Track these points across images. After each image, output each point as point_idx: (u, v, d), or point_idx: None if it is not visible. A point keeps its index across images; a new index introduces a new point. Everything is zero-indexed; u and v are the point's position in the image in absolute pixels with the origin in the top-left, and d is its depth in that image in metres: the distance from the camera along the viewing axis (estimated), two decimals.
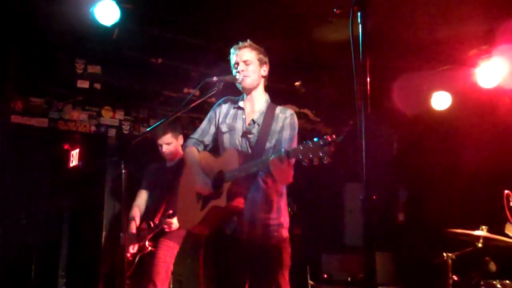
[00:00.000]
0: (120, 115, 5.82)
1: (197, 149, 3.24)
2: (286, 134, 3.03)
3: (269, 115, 3.08)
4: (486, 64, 5.15)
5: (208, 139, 3.24)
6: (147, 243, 4.21)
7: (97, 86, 5.50)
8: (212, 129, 3.23)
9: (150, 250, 4.20)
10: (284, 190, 3.11)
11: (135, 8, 4.57)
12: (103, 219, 5.49)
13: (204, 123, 3.28)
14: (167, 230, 4.16)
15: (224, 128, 3.15)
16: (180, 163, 4.33)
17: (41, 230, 5.35)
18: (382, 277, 5.31)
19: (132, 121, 5.87)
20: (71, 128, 5.54)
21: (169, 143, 4.36)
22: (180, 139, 4.42)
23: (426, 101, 5.88)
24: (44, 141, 5.47)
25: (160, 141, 4.38)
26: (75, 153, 5.73)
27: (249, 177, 2.92)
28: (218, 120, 3.21)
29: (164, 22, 4.97)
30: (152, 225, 4.23)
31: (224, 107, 3.24)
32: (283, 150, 2.66)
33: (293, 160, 2.75)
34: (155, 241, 4.23)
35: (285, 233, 3.05)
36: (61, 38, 4.96)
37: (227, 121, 3.16)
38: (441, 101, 5.84)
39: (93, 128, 5.65)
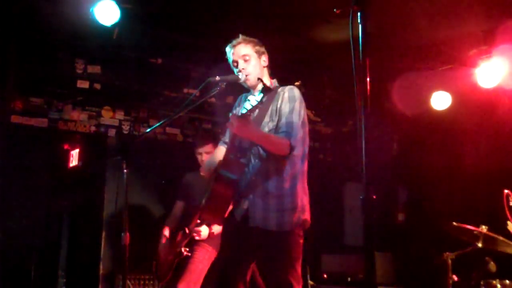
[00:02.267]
0: (120, 115, 5.82)
1: (223, 148, 3.27)
2: (285, 107, 2.97)
3: (271, 96, 3.03)
4: (486, 64, 5.15)
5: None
6: (183, 249, 4.23)
7: (97, 86, 5.50)
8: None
9: (186, 255, 4.23)
10: (299, 169, 3.02)
11: (135, 8, 4.57)
12: (103, 219, 5.48)
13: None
14: (197, 238, 4.19)
15: None
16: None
17: (41, 230, 5.35)
18: (382, 277, 5.31)
19: (132, 121, 5.87)
20: (71, 128, 5.54)
21: (209, 152, 4.39)
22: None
23: (426, 101, 5.88)
24: (44, 141, 5.47)
25: (200, 150, 4.44)
26: (75, 153, 5.74)
27: (237, 153, 2.96)
28: None
29: (164, 22, 4.97)
30: (187, 231, 4.26)
31: (238, 106, 3.27)
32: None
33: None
34: (194, 245, 4.25)
35: (298, 217, 2.95)
36: (61, 38, 4.96)
37: None
38: (441, 101, 5.84)
39: (93, 128, 5.65)
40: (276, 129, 2.96)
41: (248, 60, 3.08)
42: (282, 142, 2.89)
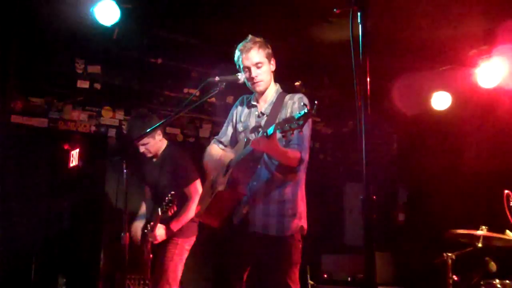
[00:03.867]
0: (120, 115, 5.82)
1: (218, 146, 3.29)
2: None
3: (278, 104, 3.06)
4: (486, 64, 5.15)
5: (225, 139, 3.28)
6: (149, 251, 4.24)
7: (97, 86, 5.50)
8: (230, 130, 3.28)
9: (157, 256, 4.21)
10: (301, 177, 3.05)
11: (135, 8, 4.57)
12: (103, 219, 5.48)
13: (224, 125, 3.34)
14: (155, 242, 4.15)
15: (240, 127, 3.19)
16: (164, 158, 4.34)
17: (41, 230, 5.34)
18: (382, 277, 5.31)
19: None
20: (71, 128, 5.54)
21: (145, 144, 4.30)
22: (158, 135, 4.34)
23: (426, 101, 5.88)
24: (44, 141, 5.46)
25: (137, 143, 4.35)
26: (75, 153, 5.72)
27: (250, 162, 2.94)
28: (235, 121, 3.25)
29: (164, 22, 4.97)
30: (146, 239, 4.25)
31: (240, 106, 3.27)
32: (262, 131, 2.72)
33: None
34: (164, 241, 4.20)
35: (297, 223, 2.98)
36: (61, 38, 4.96)
37: (242, 119, 3.20)
38: (441, 101, 5.84)
39: (93, 128, 5.65)
40: (283, 140, 2.93)
41: (260, 67, 3.05)
42: (295, 157, 2.93)
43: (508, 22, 4.48)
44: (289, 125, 2.51)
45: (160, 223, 4.10)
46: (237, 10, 4.61)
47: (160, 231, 4.11)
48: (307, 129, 2.98)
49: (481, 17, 4.59)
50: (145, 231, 4.35)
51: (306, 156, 2.99)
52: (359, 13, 1.93)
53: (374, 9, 1.95)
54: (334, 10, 2.18)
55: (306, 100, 3.03)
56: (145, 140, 4.27)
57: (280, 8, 4.59)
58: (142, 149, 4.34)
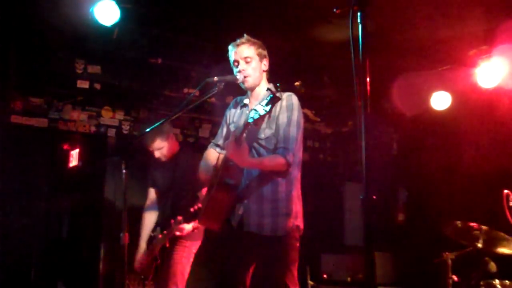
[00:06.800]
0: (120, 115, 5.82)
1: (215, 150, 3.29)
2: (282, 117, 2.95)
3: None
4: (486, 64, 5.15)
5: (222, 142, 3.27)
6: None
7: (97, 86, 5.50)
8: (225, 131, 3.28)
9: (164, 258, 4.20)
10: (294, 175, 3.04)
11: (135, 8, 4.57)
12: (103, 219, 5.48)
13: (220, 127, 3.35)
14: (179, 235, 4.11)
15: (232, 128, 3.20)
16: (178, 158, 4.33)
17: (41, 230, 5.34)
18: (382, 277, 5.31)
19: (132, 121, 5.87)
20: (71, 128, 5.54)
21: (160, 148, 4.33)
22: (172, 138, 4.37)
23: (426, 101, 5.88)
24: (44, 141, 5.46)
25: (151, 148, 4.34)
26: (75, 153, 5.73)
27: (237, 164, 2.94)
28: (229, 122, 3.26)
29: (164, 22, 4.97)
30: (165, 232, 4.23)
31: (233, 108, 3.29)
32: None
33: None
34: (171, 243, 4.20)
35: (292, 222, 2.97)
36: (61, 38, 4.96)
37: (234, 120, 3.21)
38: (441, 101, 5.84)
39: (93, 128, 5.65)
40: (274, 139, 2.96)
41: (249, 62, 3.07)
42: (277, 164, 2.91)
43: (508, 22, 4.48)
44: (258, 113, 2.56)
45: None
46: (237, 10, 4.61)
47: (188, 227, 4.09)
48: (294, 128, 2.96)
49: (481, 17, 4.59)
50: (153, 234, 4.35)
51: (293, 159, 2.95)
52: (359, 13, 1.93)
53: (374, 9, 1.95)
54: (334, 10, 2.18)
55: (294, 99, 3.02)
56: (160, 145, 4.28)
57: (280, 8, 4.58)
58: (157, 154, 4.33)
